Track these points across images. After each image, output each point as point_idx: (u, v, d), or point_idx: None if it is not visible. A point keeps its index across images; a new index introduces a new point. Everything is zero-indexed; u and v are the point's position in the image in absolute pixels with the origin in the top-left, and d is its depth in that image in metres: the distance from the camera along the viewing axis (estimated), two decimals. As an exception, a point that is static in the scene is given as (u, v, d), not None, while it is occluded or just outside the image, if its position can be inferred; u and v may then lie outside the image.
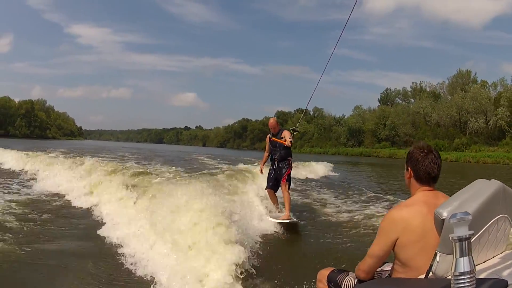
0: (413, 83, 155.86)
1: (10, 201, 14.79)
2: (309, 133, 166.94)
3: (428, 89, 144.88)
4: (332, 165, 40.87)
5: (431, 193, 4.03)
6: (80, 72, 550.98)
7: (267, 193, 13.94)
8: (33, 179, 21.37)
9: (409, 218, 3.85)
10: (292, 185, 14.25)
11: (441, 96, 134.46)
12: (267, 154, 13.85)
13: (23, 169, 25.71)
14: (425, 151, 4.05)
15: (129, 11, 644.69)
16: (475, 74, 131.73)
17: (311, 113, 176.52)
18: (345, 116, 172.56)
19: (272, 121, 13.59)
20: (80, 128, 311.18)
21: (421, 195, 4.02)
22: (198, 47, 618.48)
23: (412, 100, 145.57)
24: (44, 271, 8.23)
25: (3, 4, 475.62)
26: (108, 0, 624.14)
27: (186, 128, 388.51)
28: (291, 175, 13.55)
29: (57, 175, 20.62)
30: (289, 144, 12.69)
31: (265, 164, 14.31)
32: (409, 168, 4.12)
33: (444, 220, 3.07)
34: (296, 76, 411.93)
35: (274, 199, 13.79)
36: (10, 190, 17.86)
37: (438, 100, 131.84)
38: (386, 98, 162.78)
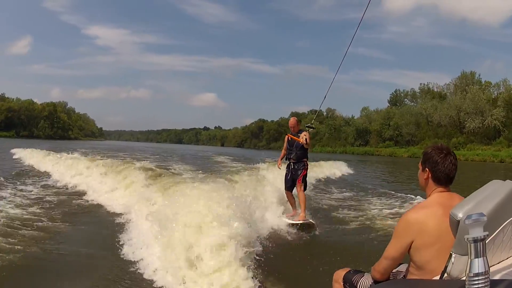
0: (421, 84, 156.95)
1: (35, 199, 15.17)
2: (321, 133, 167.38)
3: (435, 90, 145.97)
4: (346, 164, 40.73)
5: (447, 194, 3.99)
6: (99, 73, 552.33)
7: (285, 195, 13.82)
8: (55, 179, 21.57)
9: (425, 220, 3.81)
10: (308, 185, 14.20)
11: (447, 97, 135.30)
12: (284, 152, 13.70)
13: (48, 170, 25.80)
14: (444, 152, 4.01)
15: (146, 12, 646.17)
16: (479, 75, 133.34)
17: (325, 113, 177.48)
18: (354, 116, 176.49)
19: (292, 120, 13.46)
20: (101, 128, 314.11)
21: (437, 197, 3.98)
22: (216, 47, 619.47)
23: (420, 101, 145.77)
24: (60, 271, 8.34)
25: (20, 7, 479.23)
26: (124, 2, 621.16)
27: (205, 129, 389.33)
28: (307, 176, 13.48)
29: (85, 175, 20.73)
30: (304, 142, 12.60)
31: (282, 159, 14.09)
32: (426, 169, 4.06)
33: (459, 221, 3.02)
34: (315, 75, 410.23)
35: (292, 201, 13.67)
36: (34, 189, 18.08)
37: (443, 101, 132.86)
38: (395, 99, 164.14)
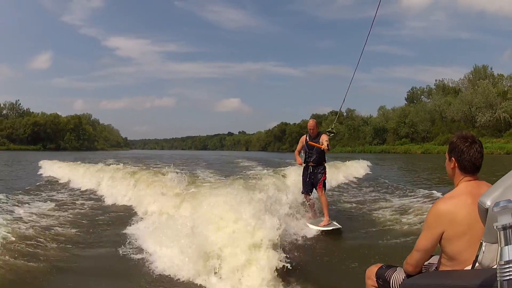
0: (436, 80, 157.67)
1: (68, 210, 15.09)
2: (341, 134, 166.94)
3: (451, 85, 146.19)
4: (368, 162, 40.23)
5: (474, 182, 3.95)
6: (122, 84, 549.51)
7: (303, 197, 13.53)
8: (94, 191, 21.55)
9: (455, 210, 3.78)
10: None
11: (461, 92, 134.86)
12: (297, 152, 13.44)
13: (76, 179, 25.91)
14: (469, 141, 3.97)
15: (165, 21, 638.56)
16: (491, 68, 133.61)
17: (345, 114, 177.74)
18: (372, 116, 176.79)
19: (311, 122, 13.10)
20: (126, 138, 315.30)
21: (465, 186, 3.95)
22: (238, 52, 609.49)
23: (436, 97, 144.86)
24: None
25: (39, 22, 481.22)
26: (143, 12, 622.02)
27: (230, 134, 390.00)
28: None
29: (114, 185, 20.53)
30: (326, 148, 12.26)
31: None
32: (453, 159, 4.04)
33: (487, 209, 2.96)
34: (338, 75, 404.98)
35: (311, 204, 13.44)
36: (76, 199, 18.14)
37: (457, 96, 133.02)
38: (412, 96, 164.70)
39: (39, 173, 33.19)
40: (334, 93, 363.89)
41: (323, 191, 12.80)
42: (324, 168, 12.98)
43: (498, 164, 44.35)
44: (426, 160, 69.95)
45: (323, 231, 12.02)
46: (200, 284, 7.67)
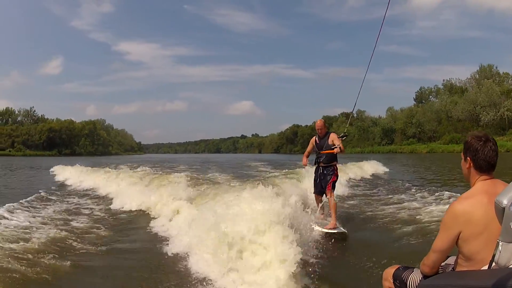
0: (444, 80, 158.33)
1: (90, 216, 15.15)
2: (351, 135, 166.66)
3: (458, 85, 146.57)
4: (380, 163, 39.85)
5: (490, 181, 3.90)
6: (133, 88, 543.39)
7: (314, 198, 13.41)
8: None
9: (471, 210, 3.73)
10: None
11: (468, 91, 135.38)
12: (307, 154, 13.28)
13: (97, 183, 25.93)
14: (483, 139, 3.91)
15: (175, 25, 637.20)
16: (496, 67, 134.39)
17: (355, 115, 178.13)
18: (381, 117, 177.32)
19: (319, 123, 12.92)
20: (139, 143, 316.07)
21: (481, 185, 3.90)
22: (249, 55, 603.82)
23: (444, 97, 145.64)
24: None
25: (49, 28, 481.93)
26: (153, 16, 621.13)
27: (243, 137, 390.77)
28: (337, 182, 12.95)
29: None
30: (339, 151, 11.98)
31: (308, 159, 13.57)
32: (468, 158, 3.98)
33: (504, 208, 2.93)
34: (348, 77, 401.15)
35: (322, 205, 13.17)
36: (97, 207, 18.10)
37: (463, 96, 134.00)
38: (421, 96, 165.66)
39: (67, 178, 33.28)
40: (345, 94, 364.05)
41: (332, 193, 12.51)
42: (335, 169, 12.72)
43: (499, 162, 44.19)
44: (431, 160, 70.74)
45: (328, 233, 11.74)
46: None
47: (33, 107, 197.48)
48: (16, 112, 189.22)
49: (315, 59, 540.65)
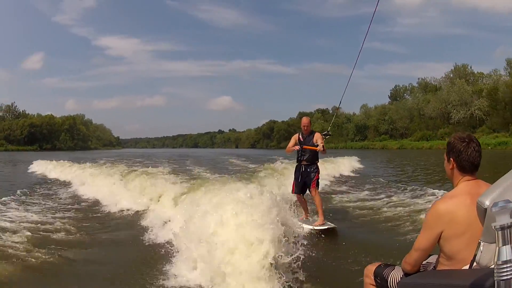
0: (419, 78, 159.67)
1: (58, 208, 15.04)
2: (331, 126, 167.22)
3: (433, 83, 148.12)
4: (359, 159, 39.89)
5: (474, 182, 3.91)
6: (113, 83, 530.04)
7: (296, 198, 12.98)
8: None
9: (454, 210, 3.74)
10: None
11: (442, 90, 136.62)
12: (291, 146, 12.51)
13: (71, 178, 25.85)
14: (466, 140, 3.92)
15: (156, 20, 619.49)
16: (471, 67, 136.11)
17: (331, 111, 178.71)
18: (355, 113, 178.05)
19: (305, 120, 12.54)
20: (118, 137, 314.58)
21: (464, 185, 3.91)
22: (231, 51, 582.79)
23: (417, 95, 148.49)
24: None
25: (31, 23, 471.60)
26: (134, 11, 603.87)
27: (220, 132, 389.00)
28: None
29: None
30: (321, 149, 11.90)
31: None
32: (451, 159, 3.98)
33: (486, 209, 2.92)
34: (330, 73, 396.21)
35: (304, 204, 13.00)
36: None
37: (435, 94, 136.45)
38: (396, 94, 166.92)
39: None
40: (324, 91, 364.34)
41: (317, 190, 12.38)
42: (317, 168, 12.56)
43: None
44: (402, 156, 71.78)
45: (317, 230, 11.74)
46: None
47: (14, 102, 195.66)
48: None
49: (297, 55, 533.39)
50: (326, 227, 11.86)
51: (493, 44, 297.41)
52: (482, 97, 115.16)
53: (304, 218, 12.73)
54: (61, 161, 36.23)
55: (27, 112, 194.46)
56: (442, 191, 17.24)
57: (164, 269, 8.36)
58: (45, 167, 35.47)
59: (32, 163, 40.40)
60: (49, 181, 27.52)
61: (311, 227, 11.90)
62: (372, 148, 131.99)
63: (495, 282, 2.37)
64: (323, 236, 11.37)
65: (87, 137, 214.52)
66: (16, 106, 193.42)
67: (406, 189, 19.92)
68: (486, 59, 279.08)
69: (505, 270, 2.35)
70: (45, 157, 46.91)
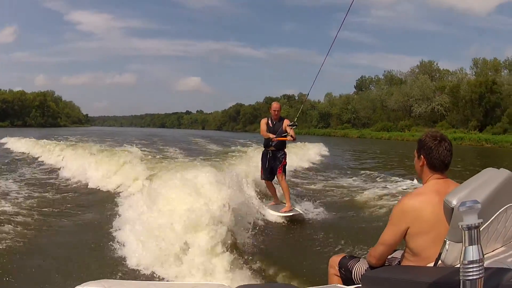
0: (385, 71, 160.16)
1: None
2: (290, 117, 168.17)
3: (399, 76, 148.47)
4: (325, 147, 38.81)
5: (443, 181, 3.86)
6: (83, 59, 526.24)
7: (265, 184, 12.95)
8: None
9: (420, 207, 3.69)
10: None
11: (406, 83, 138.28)
12: (266, 132, 12.27)
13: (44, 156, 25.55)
14: (438, 139, 3.87)
15: None
16: (437, 64, 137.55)
17: (296, 98, 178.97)
18: (320, 101, 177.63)
19: (276, 105, 12.45)
20: (87, 115, 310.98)
21: (433, 184, 3.86)
22: (202, 32, 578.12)
23: (382, 87, 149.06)
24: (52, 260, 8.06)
25: None
26: None
27: (188, 113, 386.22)
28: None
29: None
30: (291, 139, 12.03)
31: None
32: (422, 156, 3.92)
33: (453, 208, 2.91)
34: (300, 59, 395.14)
35: (273, 190, 12.85)
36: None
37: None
38: (361, 85, 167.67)
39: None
40: (293, 76, 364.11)
41: (283, 176, 12.26)
42: (285, 154, 12.41)
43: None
44: (364, 144, 74.56)
45: (285, 217, 11.62)
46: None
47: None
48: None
49: (268, 39, 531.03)
50: (292, 213, 11.74)
51: (466, 43, 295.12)
52: (445, 94, 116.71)
53: (273, 204, 12.62)
54: (32, 138, 35.72)
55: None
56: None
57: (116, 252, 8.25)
58: (17, 144, 34.99)
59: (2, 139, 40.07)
60: (19, 157, 27.16)
61: (277, 213, 11.79)
62: (334, 135, 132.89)
63: (461, 281, 2.33)
64: (290, 222, 11.38)
65: (56, 114, 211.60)
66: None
67: (373, 176, 20.14)
68: (458, 57, 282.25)
69: (471, 270, 2.29)
70: (17, 133, 46.20)
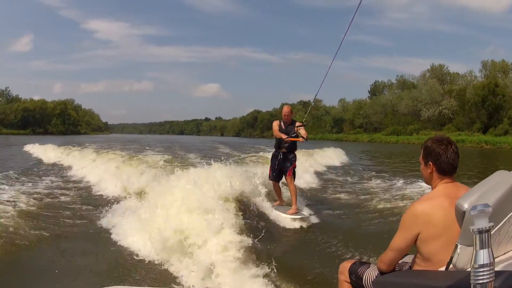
0: (397, 75, 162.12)
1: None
2: (306, 122, 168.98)
3: (411, 80, 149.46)
4: (342, 150, 38.98)
5: (452, 185, 3.80)
6: (101, 67, 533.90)
7: (272, 184, 12.80)
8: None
9: (432, 212, 3.62)
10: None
11: (416, 88, 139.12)
12: (279, 133, 12.10)
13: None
14: (445, 143, 3.81)
15: (144, 4, 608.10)
16: (447, 67, 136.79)
17: (312, 104, 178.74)
18: (334, 106, 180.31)
19: (287, 109, 12.35)
20: (106, 123, 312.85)
21: (443, 188, 3.79)
22: (218, 38, 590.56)
23: (395, 91, 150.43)
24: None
25: (19, 4, 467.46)
26: None
27: (206, 119, 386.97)
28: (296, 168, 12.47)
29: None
30: (304, 140, 11.88)
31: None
32: (430, 163, 3.84)
33: (465, 212, 2.87)
34: (315, 63, 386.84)
35: (279, 192, 12.77)
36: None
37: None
38: (375, 89, 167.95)
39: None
40: (310, 81, 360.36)
41: (292, 179, 12.13)
42: (295, 156, 12.35)
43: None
44: (373, 147, 77.73)
45: (292, 220, 11.46)
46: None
47: (8, 87, 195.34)
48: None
49: (283, 44, 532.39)
50: (298, 216, 11.59)
51: (482, 43, 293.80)
52: (453, 97, 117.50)
53: (277, 205, 12.53)
54: (53, 145, 36.04)
55: (20, 97, 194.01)
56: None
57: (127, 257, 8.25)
58: (41, 150, 35.05)
59: (25, 146, 40.48)
60: (44, 164, 27.31)
61: (283, 214, 11.69)
62: (346, 140, 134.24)
63: (472, 285, 2.29)
64: (297, 226, 11.27)
65: (77, 122, 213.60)
66: (9, 90, 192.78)
67: (390, 181, 19.91)
68: (473, 58, 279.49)
69: (481, 273, 2.26)
70: (40, 141, 46.33)
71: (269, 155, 14.02)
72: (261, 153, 26.97)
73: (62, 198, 14.38)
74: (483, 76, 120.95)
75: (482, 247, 2.28)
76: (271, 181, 12.77)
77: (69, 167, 23.35)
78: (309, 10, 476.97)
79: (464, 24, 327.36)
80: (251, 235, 8.34)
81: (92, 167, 20.74)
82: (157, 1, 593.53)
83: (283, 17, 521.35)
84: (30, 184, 16.86)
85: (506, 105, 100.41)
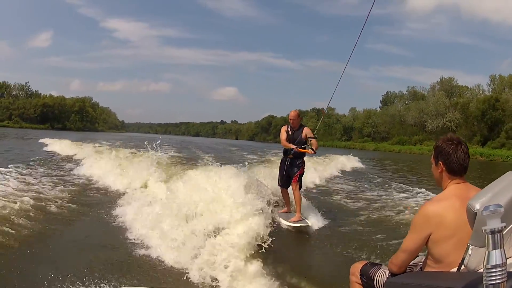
0: (408, 87, 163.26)
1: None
2: (317, 129, 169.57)
3: (422, 92, 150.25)
4: (357, 158, 38.83)
5: (463, 185, 3.77)
6: (119, 66, 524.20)
7: (280, 191, 12.54)
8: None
9: (443, 213, 3.59)
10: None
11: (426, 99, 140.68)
12: (286, 141, 11.86)
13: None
14: (455, 142, 3.79)
15: (165, 5, 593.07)
16: (456, 80, 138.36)
17: (325, 111, 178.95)
18: (345, 115, 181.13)
19: (294, 113, 11.90)
20: (123, 121, 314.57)
21: (454, 188, 3.76)
22: (238, 42, 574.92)
23: (406, 102, 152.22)
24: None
25: (39, 1, 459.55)
26: None
27: (222, 122, 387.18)
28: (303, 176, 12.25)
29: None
30: (313, 153, 11.58)
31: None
32: (440, 163, 3.83)
33: (476, 212, 2.85)
34: (333, 71, 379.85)
35: (287, 198, 12.46)
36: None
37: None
38: (386, 100, 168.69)
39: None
40: (327, 88, 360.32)
41: (297, 186, 11.82)
42: (303, 162, 12.06)
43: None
44: (378, 155, 78.75)
45: (292, 226, 11.27)
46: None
47: (27, 82, 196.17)
48: (12, 86, 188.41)
49: (303, 50, 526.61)
50: (299, 224, 11.30)
51: (501, 56, 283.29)
52: (457, 110, 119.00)
53: (284, 212, 12.32)
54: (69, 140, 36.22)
55: (39, 92, 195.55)
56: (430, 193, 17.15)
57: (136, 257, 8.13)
58: (59, 145, 35.04)
59: (43, 140, 40.72)
60: (61, 157, 27.33)
61: (285, 221, 11.45)
62: (353, 148, 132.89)
63: (484, 286, 2.27)
64: (299, 232, 11.12)
65: (94, 119, 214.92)
66: (29, 85, 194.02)
67: (400, 188, 19.81)
68: (491, 71, 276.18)
69: (494, 274, 2.25)
70: (58, 135, 46.53)
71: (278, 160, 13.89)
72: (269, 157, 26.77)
73: (80, 192, 14.41)
74: (490, 90, 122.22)
75: (494, 248, 2.27)
76: (279, 188, 12.55)
77: (84, 163, 23.28)
78: (329, 18, 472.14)
79: (484, 36, 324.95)
80: (263, 238, 8.33)
81: (111, 164, 20.62)
82: (178, 3, 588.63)
83: (304, 24, 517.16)
84: (43, 175, 16.92)
85: (505, 119, 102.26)
